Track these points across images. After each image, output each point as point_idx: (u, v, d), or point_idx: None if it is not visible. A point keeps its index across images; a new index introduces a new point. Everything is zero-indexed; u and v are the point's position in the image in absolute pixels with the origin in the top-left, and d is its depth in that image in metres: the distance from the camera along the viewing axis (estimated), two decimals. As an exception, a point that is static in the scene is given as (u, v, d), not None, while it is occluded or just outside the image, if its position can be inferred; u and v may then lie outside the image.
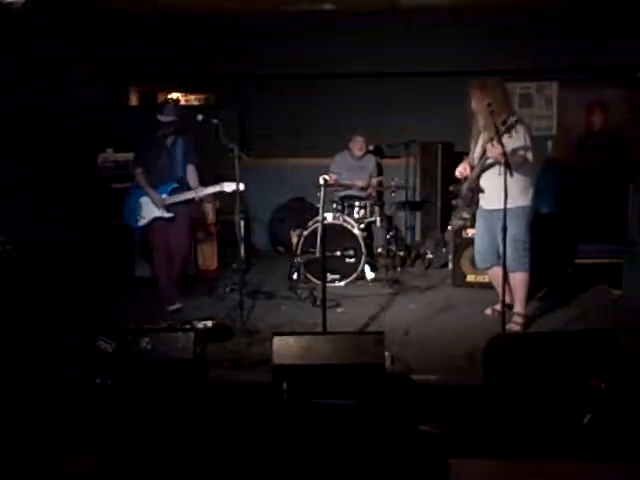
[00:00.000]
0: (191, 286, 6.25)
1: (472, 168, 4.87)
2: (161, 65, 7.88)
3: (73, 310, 5.31)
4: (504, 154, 4.24)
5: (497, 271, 4.81)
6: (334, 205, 6.83)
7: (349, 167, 7.24)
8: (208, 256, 7.08)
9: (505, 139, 4.35)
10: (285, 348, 3.56)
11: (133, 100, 8.77)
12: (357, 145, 7.24)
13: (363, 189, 7.03)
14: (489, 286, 5.39)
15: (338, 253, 6.30)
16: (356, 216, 6.74)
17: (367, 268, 6.41)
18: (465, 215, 6.14)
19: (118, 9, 7.01)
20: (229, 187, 5.27)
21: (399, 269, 6.86)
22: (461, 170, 4.95)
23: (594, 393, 3.28)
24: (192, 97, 9.35)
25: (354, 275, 6.35)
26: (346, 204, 6.82)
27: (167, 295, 5.57)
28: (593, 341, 3.49)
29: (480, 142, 4.82)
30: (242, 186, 4.99)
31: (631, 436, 3.12)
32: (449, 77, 7.25)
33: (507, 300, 4.72)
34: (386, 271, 6.71)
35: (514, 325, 4.81)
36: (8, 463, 2.98)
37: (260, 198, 7.72)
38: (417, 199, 7.88)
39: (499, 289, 4.73)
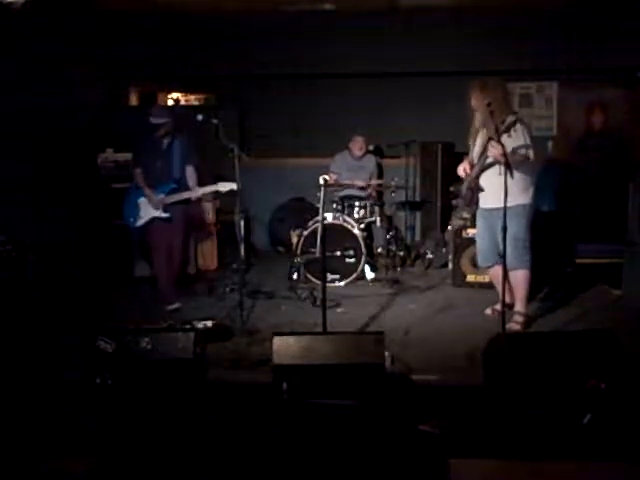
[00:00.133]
0: (191, 286, 6.26)
1: (472, 166, 4.88)
2: (161, 65, 7.89)
3: (73, 310, 5.31)
4: (504, 154, 4.24)
5: (498, 270, 4.81)
6: (334, 205, 6.83)
7: (349, 167, 7.24)
8: (208, 256, 7.08)
9: (504, 139, 4.35)
10: (285, 348, 3.56)
11: (133, 100, 8.77)
12: (357, 145, 7.24)
13: (363, 189, 7.03)
14: (489, 286, 5.40)
15: (338, 253, 6.30)
16: (356, 216, 6.74)
17: (367, 268, 6.41)
18: (465, 215, 6.14)
19: (118, 9, 7.01)
20: (224, 187, 5.34)
21: (399, 269, 6.86)
22: (463, 169, 4.95)
23: (594, 393, 3.28)
24: (192, 97, 9.36)
25: (354, 275, 6.35)
26: (346, 204, 6.82)
27: (166, 295, 5.59)
28: (593, 341, 3.49)
29: (479, 141, 4.83)
30: (235, 186, 5.03)
31: (631, 436, 3.12)
32: (449, 77, 7.26)
33: (507, 300, 4.72)
34: (386, 271, 6.70)
35: (515, 324, 4.81)
36: (8, 463, 2.99)
37: (260, 198, 7.72)
38: (417, 199, 7.88)
39: (499, 288, 4.73)
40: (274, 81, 8.08)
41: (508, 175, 4.18)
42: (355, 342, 3.66)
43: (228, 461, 3.09)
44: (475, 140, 4.90)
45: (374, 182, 7.26)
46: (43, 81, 6.23)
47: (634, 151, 6.87)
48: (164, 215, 5.51)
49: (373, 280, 6.40)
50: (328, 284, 5.10)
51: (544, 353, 3.44)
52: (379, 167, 7.55)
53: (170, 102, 9.22)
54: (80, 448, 3.17)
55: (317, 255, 5.96)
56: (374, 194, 7.20)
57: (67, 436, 3.24)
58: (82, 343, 3.71)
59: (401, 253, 7.03)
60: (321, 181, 4.99)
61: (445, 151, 7.66)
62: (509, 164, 4.22)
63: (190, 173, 5.60)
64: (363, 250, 6.34)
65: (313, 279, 6.21)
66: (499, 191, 4.23)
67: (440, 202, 7.57)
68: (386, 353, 3.63)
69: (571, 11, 7.15)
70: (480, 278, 6.00)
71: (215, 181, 5.46)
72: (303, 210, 7.47)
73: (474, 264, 5.65)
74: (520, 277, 4.82)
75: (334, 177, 7.00)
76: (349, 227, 6.41)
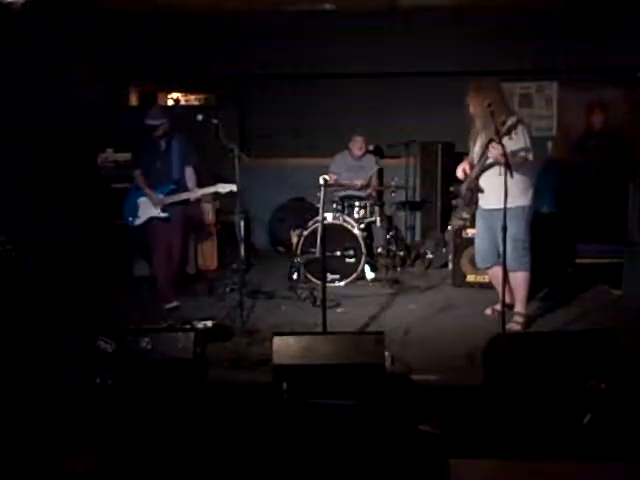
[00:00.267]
0: (191, 286, 6.26)
1: (472, 167, 4.88)
2: (161, 65, 7.89)
3: (73, 310, 5.32)
4: (504, 155, 4.24)
5: (497, 271, 4.81)
6: (334, 205, 6.83)
7: (349, 167, 7.24)
8: (208, 256, 7.08)
9: (505, 140, 4.34)
10: (285, 348, 3.56)
11: (133, 100, 8.77)
12: (356, 145, 7.23)
13: (362, 188, 7.02)
14: (489, 286, 5.39)
15: (338, 253, 6.30)
16: (356, 216, 6.74)
17: (367, 268, 6.41)
18: (465, 215, 6.14)
19: (118, 9, 7.02)
20: (224, 188, 5.37)
21: (399, 269, 6.86)
22: (462, 170, 4.95)
23: (594, 393, 3.28)
24: (192, 97, 9.36)
25: (354, 275, 6.35)
26: (346, 204, 6.82)
27: (164, 293, 5.61)
28: (593, 341, 3.49)
29: (479, 141, 4.83)
30: (235, 187, 5.04)
31: (631, 436, 3.12)
32: (449, 77, 7.25)
33: (507, 300, 4.72)
34: (386, 271, 6.71)
35: (515, 325, 4.81)
36: (8, 463, 2.99)
37: (260, 198, 7.72)
38: (417, 199, 7.88)
39: (499, 289, 4.73)
40: (274, 81, 8.08)
41: (508, 176, 4.18)
42: (355, 342, 3.65)
43: (228, 461, 3.09)
44: (475, 141, 4.89)
45: (374, 182, 7.27)
46: (43, 81, 6.23)
47: (634, 151, 6.88)
48: (163, 215, 5.54)
49: (373, 280, 6.40)
50: (328, 284, 5.10)
51: (544, 353, 3.44)
52: (379, 167, 7.55)
53: (170, 102, 9.22)
54: (80, 448, 3.17)
55: (317, 255, 5.95)
56: (374, 194, 7.20)
57: (67, 436, 3.24)
58: (82, 343, 3.71)
59: (401, 253, 7.03)
60: (321, 181, 4.99)
61: (445, 151, 7.66)
62: (509, 165, 4.22)
63: (189, 174, 5.62)
64: (363, 250, 6.34)
65: (313, 279, 6.21)
66: (499, 192, 4.23)
67: (440, 202, 7.57)
68: (386, 353, 3.63)
69: (571, 11, 7.15)
70: (480, 278, 6.00)
71: (215, 182, 5.47)
72: (303, 210, 7.47)
73: (474, 264, 5.65)
74: (520, 279, 4.82)
75: (334, 177, 7.00)
76: (349, 227, 6.41)
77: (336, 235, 6.29)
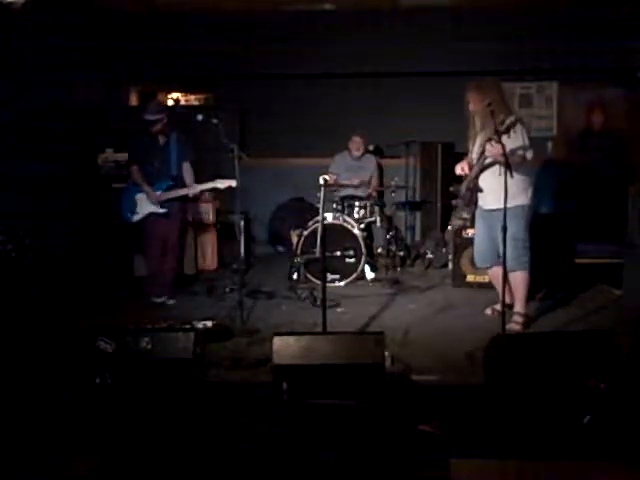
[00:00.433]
0: (190, 286, 6.26)
1: (471, 167, 4.88)
2: (161, 65, 7.88)
3: (73, 310, 5.32)
4: (504, 154, 4.24)
5: (497, 271, 4.82)
6: (334, 205, 6.83)
7: (348, 167, 7.24)
8: (208, 256, 7.08)
9: (504, 139, 4.35)
10: (285, 348, 3.55)
11: (133, 100, 8.77)
12: (355, 145, 7.23)
13: (357, 187, 6.98)
14: (489, 286, 5.39)
15: (338, 253, 6.30)
16: (356, 216, 6.74)
17: (367, 268, 6.41)
18: (465, 215, 6.13)
19: (118, 9, 7.02)
20: (222, 184, 5.38)
21: (399, 269, 6.87)
22: (461, 168, 4.95)
23: (594, 393, 3.28)
24: (192, 97, 9.35)
25: (354, 275, 6.35)
26: (346, 204, 6.82)
27: (154, 286, 5.67)
28: (593, 341, 3.49)
29: (478, 141, 4.83)
30: (234, 183, 5.04)
31: (631, 436, 3.12)
32: (449, 77, 7.25)
33: (507, 300, 4.72)
34: (386, 271, 6.71)
35: (514, 324, 4.81)
36: (9, 463, 2.99)
37: (260, 198, 7.72)
38: (417, 199, 7.88)
39: (499, 289, 4.73)
40: (274, 81, 8.07)
41: (507, 175, 4.17)
42: (355, 342, 3.65)
43: (228, 461, 3.09)
44: (474, 141, 4.90)
45: (374, 182, 7.27)
46: (43, 81, 6.23)
47: (634, 151, 6.86)
48: (161, 211, 5.57)
49: (373, 280, 6.40)
50: (328, 284, 5.10)
51: (544, 353, 3.43)
52: (379, 167, 7.55)
53: (170, 102, 9.22)
54: (81, 448, 3.17)
55: (317, 255, 5.96)
56: (374, 194, 7.20)
57: (67, 436, 3.24)
58: (82, 343, 3.71)
59: (401, 253, 7.03)
60: (321, 181, 4.99)
61: (445, 151, 7.66)
62: (509, 164, 4.22)
63: (186, 169, 5.65)
64: (363, 250, 6.34)
65: (313, 279, 6.21)
66: (498, 192, 4.24)
67: (440, 202, 7.56)
68: (386, 353, 3.63)
69: (571, 11, 7.15)
70: (480, 278, 6.00)
71: (215, 179, 5.47)
72: (303, 210, 7.47)
73: (474, 264, 5.65)
74: (519, 278, 4.82)
75: (333, 177, 7.00)
76: (349, 227, 6.41)
77: (336, 235, 6.29)
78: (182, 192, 5.59)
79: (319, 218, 5.54)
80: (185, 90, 9.21)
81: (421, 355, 4.33)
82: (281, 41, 7.58)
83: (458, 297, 5.88)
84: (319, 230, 5.74)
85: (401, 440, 3.22)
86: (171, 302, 5.67)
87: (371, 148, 7.60)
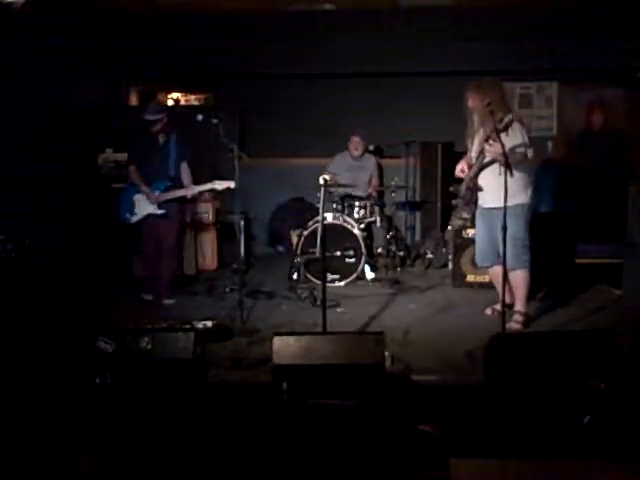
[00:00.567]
0: (191, 286, 6.26)
1: (470, 167, 4.88)
2: (161, 65, 7.88)
3: (73, 310, 5.32)
4: (504, 153, 4.24)
5: (497, 270, 4.82)
6: (334, 205, 6.82)
7: (348, 167, 7.23)
8: (208, 256, 7.07)
9: (502, 137, 4.35)
10: (285, 348, 3.56)
11: (133, 100, 8.77)
12: (353, 145, 7.23)
13: (353, 186, 6.93)
14: (489, 286, 5.40)
15: (338, 253, 6.30)
16: (356, 216, 6.74)
17: (367, 268, 6.41)
18: (465, 215, 6.13)
19: (118, 9, 7.01)
20: (220, 185, 5.39)
21: (399, 269, 6.87)
22: (461, 169, 4.95)
23: (594, 393, 3.28)
24: (192, 97, 9.36)
25: (354, 275, 6.35)
26: (346, 204, 6.82)
27: (151, 286, 5.72)
28: (593, 341, 3.49)
29: (477, 140, 4.83)
30: (232, 184, 5.05)
31: (631, 436, 3.12)
32: (449, 77, 7.25)
33: (507, 300, 4.72)
34: (386, 271, 6.71)
35: (515, 324, 4.81)
36: (9, 463, 2.98)
37: (260, 198, 7.72)
38: (417, 199, 7.88)
39: (499, 288, 4.73)
40: (274, 81, 8.07)
41: (507, 174, 4.18)
42: (355, 342, 3.66)
43: (228, 461, 3.09)
44: (473, 140, 4.90)
45: (374, 182, 7.27)
46: (43, 81, 6.22)
47: (634, 151, 6.86)
48: (159, 212, 5.58)
49: (373, 280, 6.40)
50: (328, 284, 5.10)
51: (544, 353, 3.44)
52: (379, 167, 7.54)
53: (170, 102, 9.22)
54: (81, 448, 3.17)
55: (317, 255, 5.96)
56: (374, 194, 7.20)
57: (68, 436, 3.24)
58: (82, 343, 3.71)
59: (401, 253, 7.03)
60: (321, 181, 5.00)
61: (445, 151, 7.65)
62: (509, 163, 4.23)
63: (184, 169, 5.65)
64: (363, 250, 6.34)
65: (313, 279, 6.21)
66: (498, 191, 4.24)
67: (440, 202, 7.56)
68: (386, 353, 3.64)
69: (571, 11, 7.15)
70: (480, 278, 6.00)
71: (213, 180, 5.47)
72: (303, 210, 7.46)
73: (474, 264, 5.65)
74: (519, 277, 4.82)
75: (332, 177, 6.99)
76: (349, 227, 6.41)
77: (336, 235, 6.29)
78: (180, 193, 5.59)
79: (319, 218, 5.54)
80: (185, 90, 9.21)
81: (421, 355, 4.33)
82: (281, 41, 7.57)
83: (458, 297, 5.88)
84: (319, 230, 5.74)
85: (401, 440, 3.22)
86: (171, 302, 5.67)
87: (371, 148, 7.60)
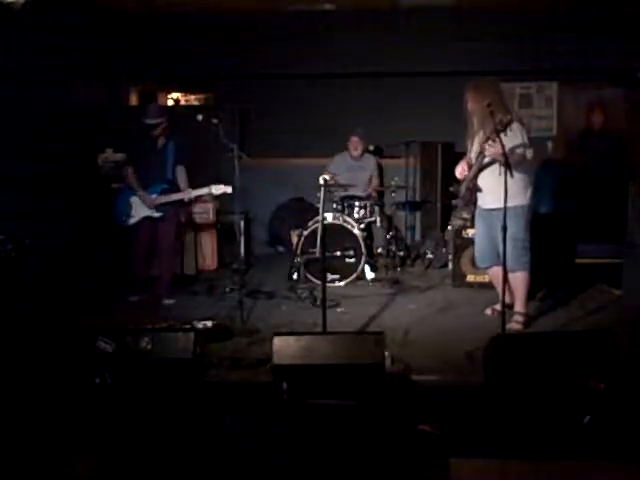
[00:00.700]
0: (191, 286, 6.26)
1: (470, 167, 4.88)
2: (161, 65, 7.88)
3: (73, 310, 5.32)
4: (504, 153, 4.24)
5: (497, 271, 4.82)
6: (334, 205, 6.82)
7: (348, 167, 7.24)
8: (208, 256, 7.07)
9: (502, 138, 4.35)
10: (285, 348, 3.55)
11: (133, 100, 8.77)
12: (352, 145, 7.23)
13: (352, 186, 6.93)
14: (489, 286, 5.39)
15: (338, 253, 6.30)
16: (356, 216, 6.74)
17: (367, 268, 6.41)
18: (465, 215, 6.14)
19: (118, 9, 7.02)
20: (217, 190, 5.41)
21: (399, 269, 6.87)
22: (460, 170, 4.95)
23: (594, 393, 3.28)
24: (192, 97, 9.36)
25: (354, 275, 6.35)
26: (346, 204, 6.82)
27: (138, 285, 5.76)
28: (593, 341, 3.49)
29: (476, 141, 4.83)
30: (229, 189, 5.05)
31: (631, 436, 3.12)
32: (449, 77, 7.25)
33: (507, 300, 4.72)
34: (386, 271, 6.71)
35: (515, 324, 4.81)
36: (9, 464, 2.98)
37: (260, 198, 7.72)
38: (417, 199, 7.88)
39: (499, 289, 4.73)
40: (274, 81, 8.08)
41: (507, 175, 4.17)
42: (355, 342, 3.65)
43: (228, 461, 3.09)
44: (472, 141, 4.90)
45: (374, 182, 7.27)
46: (43, 81, 6.22)
47: (634, 151, 6.86)
48: (156, 215, 5.58)
49: (373, 280, 6.40)
50: (328, 284, 5.10)
51: (544, 353, 3.44)
52: (379, 167, 7.55)
53: (170, 102, 9.22)
54: (81, 448, 3.17)
55: (317, 255, 5.96)
56: (374, 194, 7.20)
57: (68, 436, 3.24)
58: (82, 343, 3.71)
59: (401, 253, 7.03)
60: (321, 181, 4.99)
61: (445, 151, 7.66)
62: (509, 163, 4.22)
63: (180, 172, 5.63)
64: (363, 250, 6.33)
65: (313, 279, 6.21)
66: (498, 191, 4.24)
67: (440, 202, 7.56)
68: (386, 353, 3.63)
69: (571, 11, 7.16)
70: (480, 278, 6.00)
71: (215, 182, 5.48)
72: (303, 210, 7.46)
73: (474, 264, 5.65)
74: (519, 279, 4.82)
75: (331, 177, 6.98)
76: (349, 227, 6.41)
77: (336, 235, 6.29)
78: (177, 197, 5.59)
79: (319, 218, 5.54)
80: (185, 90, 9.22)
81: (421, 355, 4.33)
82: (281, 41, 7.58)
83: (458, 297, 5.88)
84: (319, 230, 5.74)
85: (401, 440, 3.21)
86: (171, 302, 5.68)
87: (371, 148, 7.60)
